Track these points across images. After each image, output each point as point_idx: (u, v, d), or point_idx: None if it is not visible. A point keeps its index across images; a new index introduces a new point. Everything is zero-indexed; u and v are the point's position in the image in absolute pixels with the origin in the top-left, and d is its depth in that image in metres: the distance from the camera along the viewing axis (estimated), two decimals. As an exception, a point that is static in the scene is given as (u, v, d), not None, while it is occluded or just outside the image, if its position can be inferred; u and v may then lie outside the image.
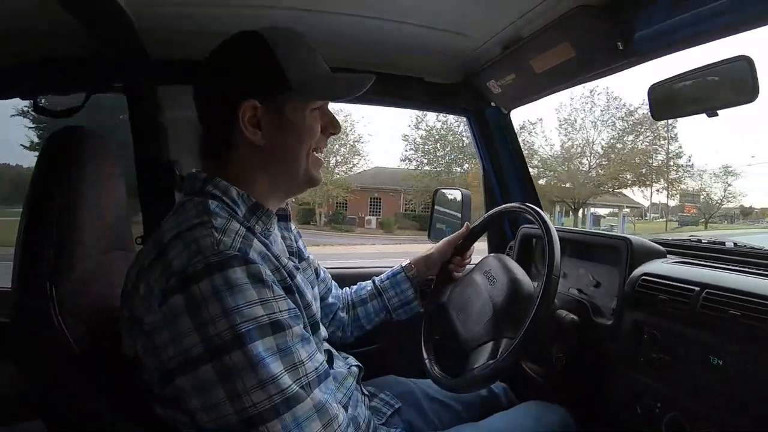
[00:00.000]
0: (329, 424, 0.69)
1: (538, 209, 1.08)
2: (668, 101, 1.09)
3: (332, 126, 0.88)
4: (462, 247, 1.28)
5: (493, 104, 1.69)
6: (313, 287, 1.02)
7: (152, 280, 0.69)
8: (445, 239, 1.30)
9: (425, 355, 1.15)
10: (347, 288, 1.30)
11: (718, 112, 0.98)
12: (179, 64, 1.35)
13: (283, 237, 1.01)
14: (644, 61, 1.15)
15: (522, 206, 1.13)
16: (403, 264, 1.29)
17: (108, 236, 0.96)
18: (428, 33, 1.36)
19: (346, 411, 0.92)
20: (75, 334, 0.78)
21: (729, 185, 22.46)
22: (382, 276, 1.29)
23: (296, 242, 1.07)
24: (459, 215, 1.57)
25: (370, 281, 1.29)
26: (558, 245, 0.99)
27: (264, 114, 0.80)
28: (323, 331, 0.99)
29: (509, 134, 1.77)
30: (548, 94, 1.52)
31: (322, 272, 1.20)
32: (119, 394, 0.77)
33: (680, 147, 21.76)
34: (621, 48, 1.12)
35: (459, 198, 1.61)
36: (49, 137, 0.89)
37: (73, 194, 0.85)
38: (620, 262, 1.17)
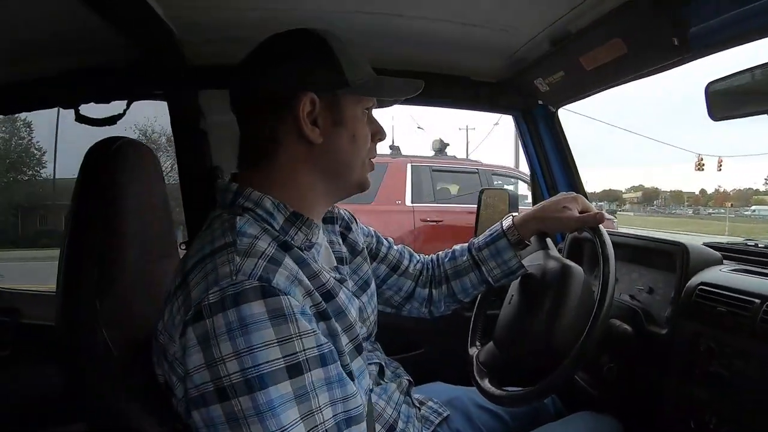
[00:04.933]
0: None
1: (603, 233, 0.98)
2: (727, 100, 1.02)
3: (379, 133, 0.84)
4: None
5: (540, 102, 1.65)
6: (367, 286, 0.97)
7: (174, 309, 0.65)
8: (565, 195, 1.09)
9: (472, 356, 1.12)
10: (436, 256, 1.16)
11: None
12: (218, 69, 1.37)
13: (331, 242, 0.94)
14: (700, 57, 1.09)
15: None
16: (505, 226, 1.08)
17: (153, 245, 0.95)
18: (472, 30, 1.33)
19: (396, 427, 0.91)
20: (118, 347, 0.77)
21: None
22: (480, 242, 1.10)
23: (344, 240, 0.99)
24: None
25: (465, 249, 1.13)
26: (614, 269, 0.93)
27: (321, 110, 0.75)
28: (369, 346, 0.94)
29: (558, 133, 1.72)
30: (598, 92, 1.47)
31: (384, 248, 1.09)
32: (156, 404, 0.75)
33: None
34: (676, 44, 1.06)
35: (506, 198, 1.66)
36: (90, 149, 0.88)
37: (116, 206, 0.84)
38: (675, 268, 1.12)
